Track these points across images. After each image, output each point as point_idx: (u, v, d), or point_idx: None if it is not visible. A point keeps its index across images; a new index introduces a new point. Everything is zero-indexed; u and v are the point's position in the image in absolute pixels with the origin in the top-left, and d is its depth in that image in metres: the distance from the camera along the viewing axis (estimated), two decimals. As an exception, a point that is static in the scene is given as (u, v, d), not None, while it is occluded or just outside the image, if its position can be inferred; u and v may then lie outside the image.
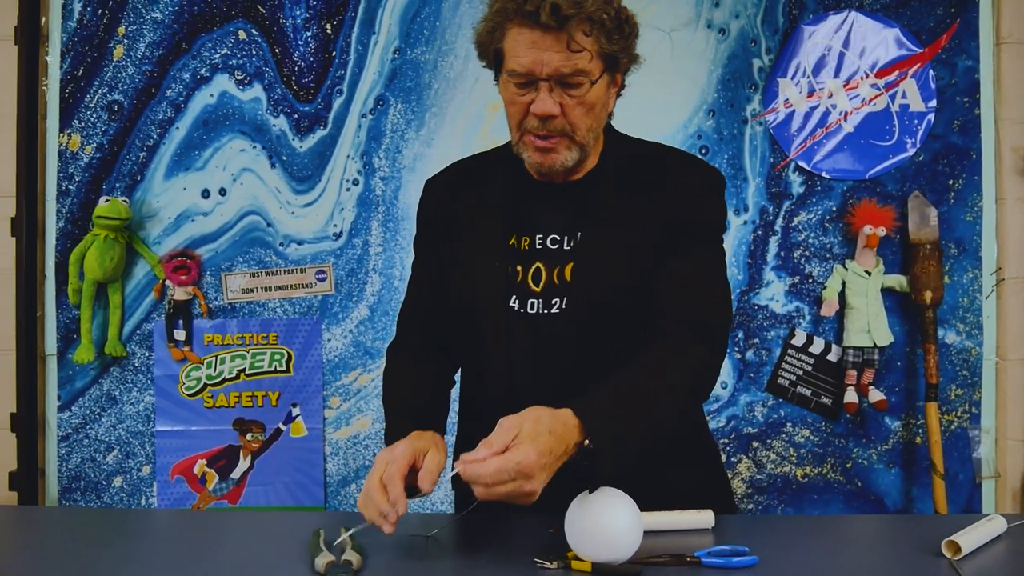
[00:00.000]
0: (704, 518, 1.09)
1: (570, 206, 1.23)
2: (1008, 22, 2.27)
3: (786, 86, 2.32)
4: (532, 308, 1.21)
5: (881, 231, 2.22)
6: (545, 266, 1.21)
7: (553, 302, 1.20)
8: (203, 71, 2.30)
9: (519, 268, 1.23)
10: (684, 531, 1.10)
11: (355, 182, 2.32)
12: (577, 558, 0.98)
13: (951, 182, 2.31)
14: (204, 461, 2.31)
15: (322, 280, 2.32)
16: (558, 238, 1.22)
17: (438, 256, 1.31)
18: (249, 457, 2.31)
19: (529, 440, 0.92)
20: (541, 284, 1.21)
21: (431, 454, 1.08)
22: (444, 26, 2.31)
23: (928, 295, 2.21)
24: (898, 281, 2.27)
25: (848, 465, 2.32)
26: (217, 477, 2.31)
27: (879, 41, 2.31)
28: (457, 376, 1.40)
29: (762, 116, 2.32)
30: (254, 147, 2.31)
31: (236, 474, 2.32)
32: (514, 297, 1.22)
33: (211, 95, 2.30)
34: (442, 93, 2.32)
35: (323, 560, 0.98)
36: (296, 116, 2.31)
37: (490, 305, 1.20)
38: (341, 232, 2.33)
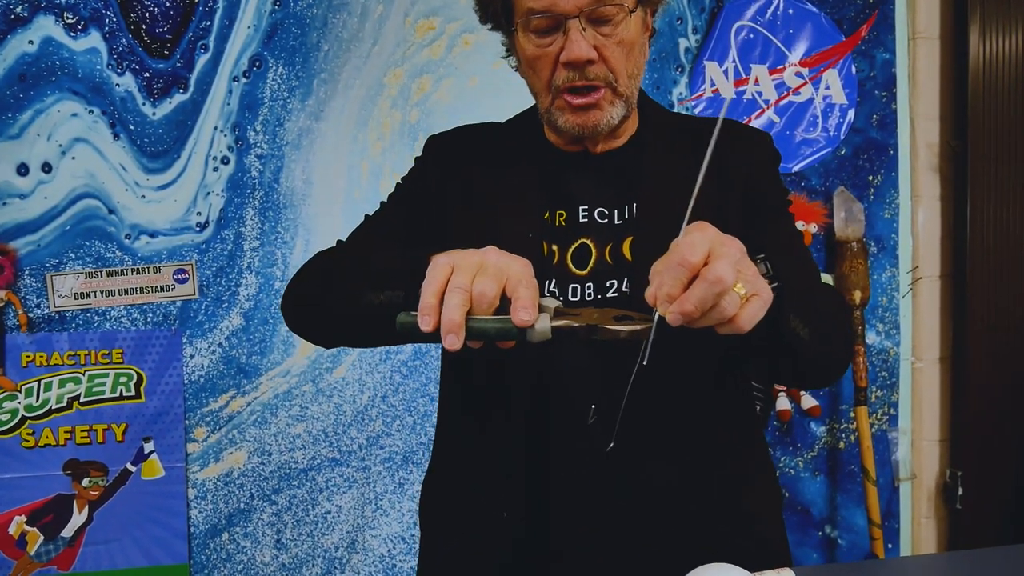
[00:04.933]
0: None
1: (615, 176, 1.15)
2: (923, 16, 2.48)
3: (713, 70, 2.38)
4: (575, 295, 1.10)
5: (813, 228, 2.34)
6: (595, 243, 1.11)
7: (609, 284, 1.10)
8: (18, 10, 1.94)
9: (555, 248, 1.12)
10: None
11: (225, 160, 2.08)
12: None
13: (871, 178, 2.48)
14: (23, 518, 1.96)
15: (182, 282, 2.06)
16: (606, 212, 1.13)
17: (437, 217, 1.17)
18: (86, 509, 1.99)
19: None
20: (589, 265, 1.11)
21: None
22: (335, -24, 2.13)
23: (857, 295, 2.35)
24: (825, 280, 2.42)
25: (776, 475, 2.43)
26: (42, 537, 1.97)
27: (803, 27, 2.43)
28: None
29: (689, 101, 2.37)
30: (90, 112, 1.99)
31: (68, 532, 1.99)
32: (553, 281, 1.11)
33: (30, 42, 1.95)
34: (334, 56, 2.14)
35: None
36: (147, 75, 2.02)
37: None
38: (207, 222, 2.07)
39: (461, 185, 1.18)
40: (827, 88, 2.44)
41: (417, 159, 1.25)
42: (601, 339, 0.84)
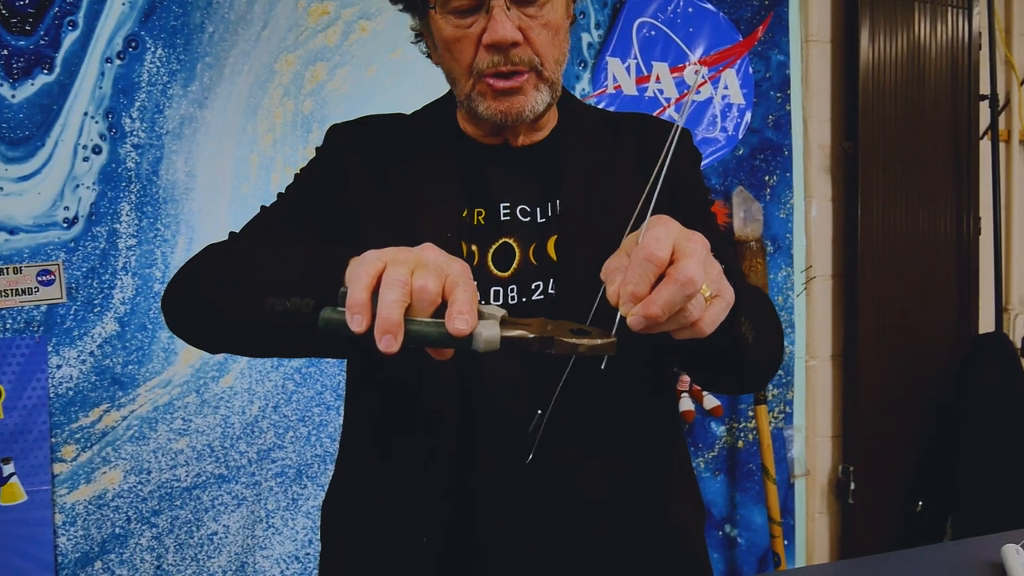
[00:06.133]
0: None
1: (537, 171, 1.11)
2: (815, 20, 2.60)
3: (616, 66, 2.41)
4: (497, 299, 1.06)
5: (714, 227, 2.41)
6: (518, 243, 1.07)
7: (535, 286, 1.06)
8: None
9: (475, 248, 1.07)
10: None
11: (96, 149, 1.94)
12: None
13: (767, 178, 2.58)
14: None
15: (48, 284, 1.90)
16: (528, 209, 1.09)
17: (341, 214, 1.10)
18: (-66, 541, 1.82)
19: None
20: (512, 267, 1.07)
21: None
22: (220, -48, 2.03)
23: (757, 294, 2.44)
24: (725, 280, 2.49)
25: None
26: None
27: (702, 25, 2.50)
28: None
29: (591, 98, 2.39)
30: (-63, 92, 1.82)
31: (-88, 568, 1.81)
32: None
33: None
34: (219, 39, 2.03)
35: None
36: (6, 53, 1.85)
37: None
38: (76, 217, 1.92)
39: (369, 180, 1.11)
40: (726, 88, 2.52)
41: (318, 149, 1.18)
42: (556, 353, 0.77)
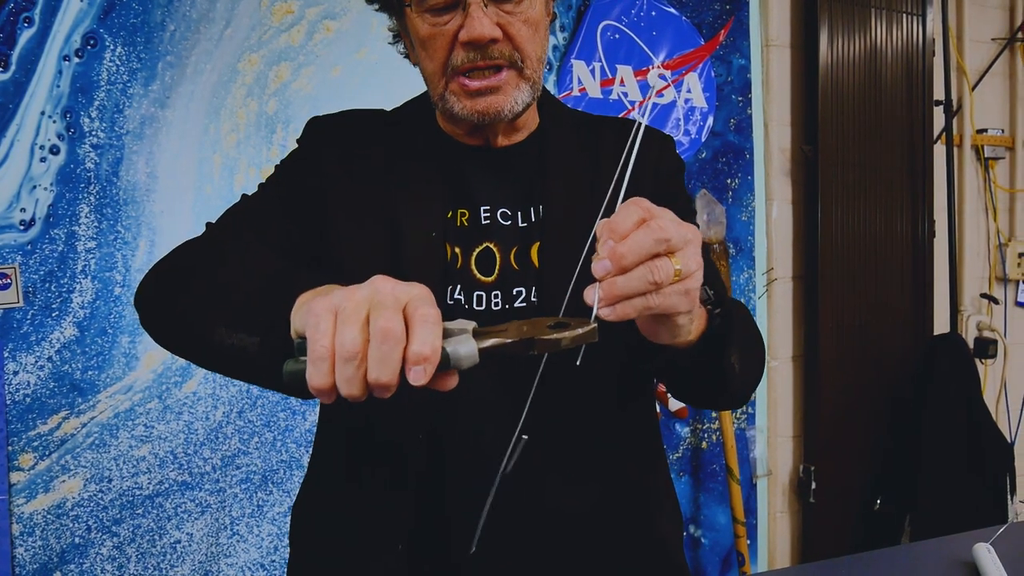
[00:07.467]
0: None
1: (518, 174, 1.11)
2: (775, 24, 2.69)
3: (580, 69, 2.47)
4: (480, 304, 1.06)
5: (679, 230, 2.49)
6: (499, 247, 1.07)
7: (517, 292, 1.06)
8: None
9: (458, 251, 1.07)
10: None
11: (54, 150, 1.93)
12: None
13: (729, 181, 2.67)
14: None
15: (4, 288, 1.90)
16: (509, 213, 1.09)
17: (322, 209, 1.10)
18: None
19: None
20: (495, 272, 1.07)
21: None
22: (182, -51, 2.04)
23: (720, 296, 2.52)
24: (689, 282, 2.56)
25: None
26: None
27: (665, 29, 2.57)
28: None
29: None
30: None
31: None
32: (458, 288, 1.06)
33: None
34: (181, 37, 2.04)
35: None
36: (-40, 49, 1.86)
37: None
38: (33, 219, 1.92)
39: (351, 174, 1.10)
40: (688, 91, 2.59)
41: (299, 141, 1.17)
42: (538, 352, 0.76)
